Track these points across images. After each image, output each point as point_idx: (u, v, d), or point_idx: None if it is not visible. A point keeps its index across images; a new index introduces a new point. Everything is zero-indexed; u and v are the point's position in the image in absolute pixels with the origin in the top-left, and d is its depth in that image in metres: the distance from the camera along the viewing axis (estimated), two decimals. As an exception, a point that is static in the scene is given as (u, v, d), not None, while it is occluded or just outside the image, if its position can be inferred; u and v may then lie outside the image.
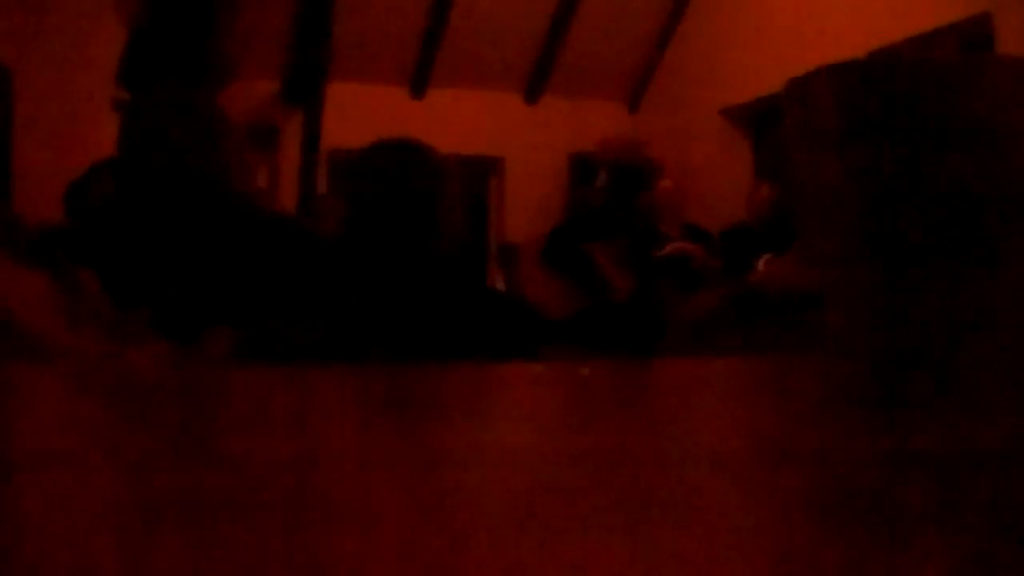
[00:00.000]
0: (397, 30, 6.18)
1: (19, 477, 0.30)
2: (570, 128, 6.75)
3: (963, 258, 0.43)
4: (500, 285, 5.58)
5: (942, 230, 0.43)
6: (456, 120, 6.29)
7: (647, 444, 0.36)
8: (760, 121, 6.05)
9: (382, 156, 1.64)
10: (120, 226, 1.76)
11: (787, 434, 0.39)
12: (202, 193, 1.71)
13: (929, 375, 0.44)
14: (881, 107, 0.44)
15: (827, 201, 0.47)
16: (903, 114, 0.44)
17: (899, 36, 4.56)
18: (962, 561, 0.20)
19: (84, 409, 0.49)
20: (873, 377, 0.46)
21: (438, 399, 0.55)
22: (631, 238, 3.92)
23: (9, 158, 4.69)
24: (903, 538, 0.22)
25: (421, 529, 0.22)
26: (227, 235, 1.68)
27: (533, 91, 6.82)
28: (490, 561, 0.20)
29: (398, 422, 0.43)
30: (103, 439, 0.38)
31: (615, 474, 0.29)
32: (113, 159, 1.91)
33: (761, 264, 3.64)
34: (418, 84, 6.57)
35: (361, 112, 5.92)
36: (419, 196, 1.60)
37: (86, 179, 2.52)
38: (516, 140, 6.77)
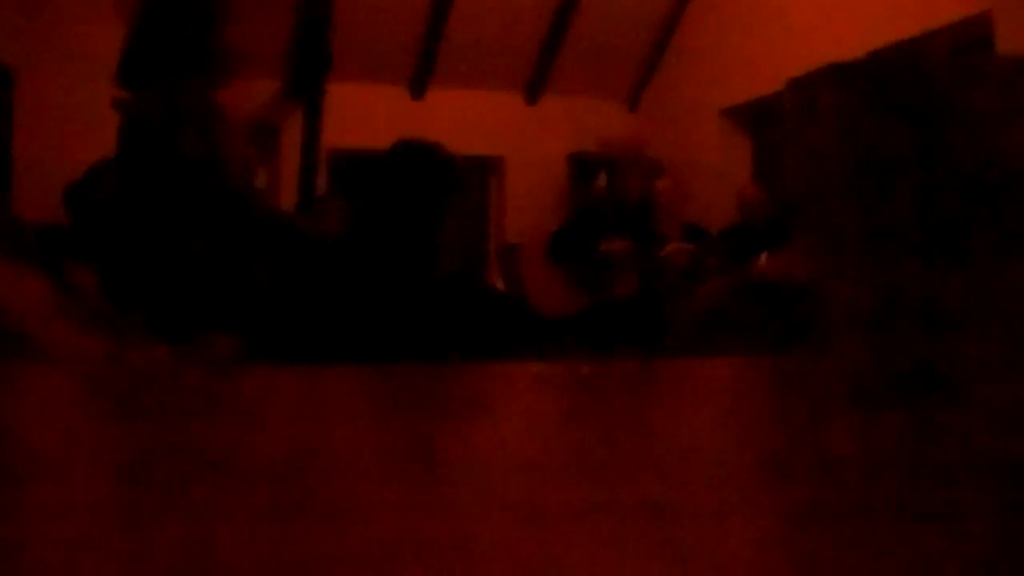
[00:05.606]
0: (397, 30, 6.18)
1: (20, 478, 0.30)
2: (570, 128, 6.75)
3: (963, 255, 0.43)
4: (500, 285, 5.57)
5: (942, 227, 0.43)
6: (456, 120, 6.28)
7: (647, 445, 0.36)
8: (760, 121, 6.05)
9: (401, 157, 1.64)
10: (120, 226, 1.76)
11: (787, 436, 0.39)
12: (201, 192, 1.71)
13: (928, 374, 0.44)
14: (880, 106, 0.44)
15: (827, 199, 0.47)
16: (902, 113, 0.44)
17: (899, 36, 4.56)
18: (965, 564, 0.20)
19: (84, 410, 0.49)
20: (871, 377, 0.45)
21: (438, 399, 0.55)
22: (632, 237, 3.92)
23: (9, 158, 4.70)
24: (905, 541, 0.22)
25: (421, 529, 0.22)
26: (226, 234, 1.68)
27: (533, 91, 6.82)
28: (491, 562, 0.20)
29: (398, 422, 0.43)
30: (104, 440, 0.38)
31: (615, 475, 0.29)
32: (113, 159, 1.91)
33: (762, 261, 3.65)
34: (418, 84, 6.56)
35: (361, 112, 5.91)
36: (438, 199, 1.60)
37: (86, 179, 2.52)
38: (516, 140, 6.77)
